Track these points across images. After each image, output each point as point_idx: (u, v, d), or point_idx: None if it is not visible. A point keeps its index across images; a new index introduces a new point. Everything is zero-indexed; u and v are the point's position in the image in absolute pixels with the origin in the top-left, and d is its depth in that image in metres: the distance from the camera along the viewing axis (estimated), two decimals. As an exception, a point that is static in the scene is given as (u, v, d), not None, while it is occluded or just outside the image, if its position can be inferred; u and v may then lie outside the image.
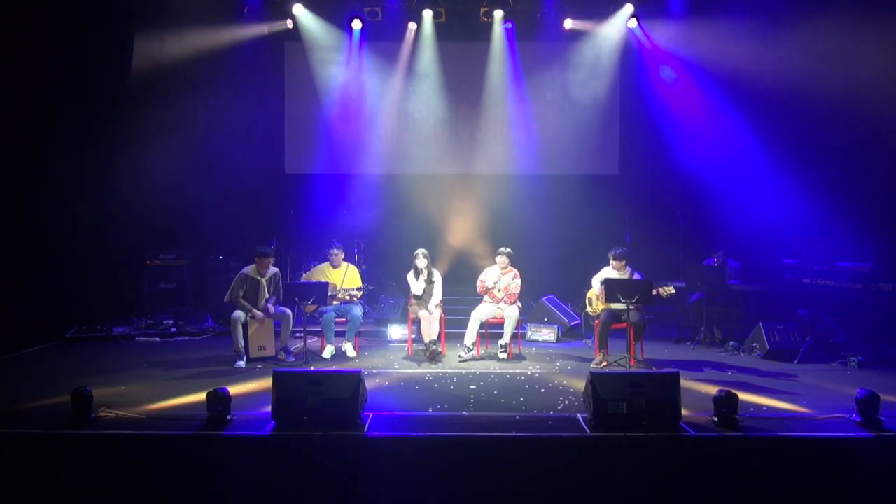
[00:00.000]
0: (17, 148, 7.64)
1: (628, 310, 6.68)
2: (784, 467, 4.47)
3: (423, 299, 7.48)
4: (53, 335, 8.01)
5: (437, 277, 7.57)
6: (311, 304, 7.10)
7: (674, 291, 7.00)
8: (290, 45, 10.43)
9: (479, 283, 7.50)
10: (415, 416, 5.08)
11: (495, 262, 7.50)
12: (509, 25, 9.96)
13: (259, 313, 7.05)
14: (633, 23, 9.88)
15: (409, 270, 7.64)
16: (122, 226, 8.91)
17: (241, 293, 7.09)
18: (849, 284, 7.39)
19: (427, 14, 9.98)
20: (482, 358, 7.31)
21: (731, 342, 7.73)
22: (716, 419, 4.83)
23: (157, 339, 8.23)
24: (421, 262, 7.51)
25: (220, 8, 9.57)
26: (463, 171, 10.59)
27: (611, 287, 6.75)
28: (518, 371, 6.74)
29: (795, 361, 7.00)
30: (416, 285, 7.51)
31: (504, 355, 7.26)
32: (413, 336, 7.77)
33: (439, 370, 6.74)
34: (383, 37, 10.24)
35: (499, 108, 10.50)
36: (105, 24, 8.29)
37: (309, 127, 10.54)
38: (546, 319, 8.58)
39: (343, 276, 7.61)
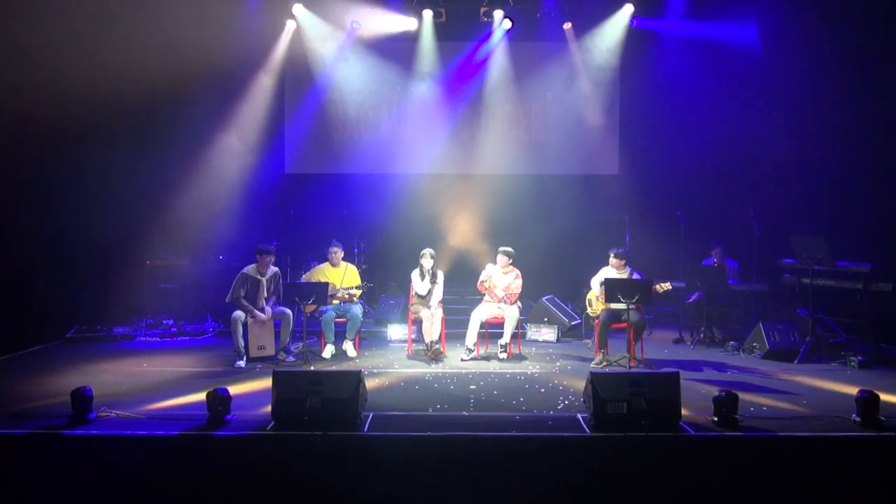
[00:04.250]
0: (16, 148, 7.64)
1: (628, 310, 6.69)
2: (784, 467, 4.47)
3: (425, 299, 7.48)
4: (53, 335, 8.03)
5: (441, 278, 7.55)
6: (311, 303, 7.10)
7: (670, 287, 7.02)
8: (290, 45, 10.42)
9: (479, 283, 7.49)
10: (415, 416, 5.08)
11: (495, 262, 7.49)
12: (509, 25, 9.96)
13: (260, 314, 7.06)
14: (634, 22, 9.86)
15: (410, 270, 7.64)
16: (122, 226, 8.90)
17: (243, 293, 7.10)
18: (849, 284, 7.38)
19: (427, 14, 9.98)
20: (482, 358, 7.31)
21: (731, 342, 7.73)
22: (716, 419, 4.83)
23: (158, 339, 8.24)
24: (427, 262, 7.49)
25: (220, 7, 9.54)
26: (463, 171, 10.58)
27: (611, 287, 6.74)
28: (518, 371, 6.73)
29: (795, 361, 6.99)
30: (421, 285, 7.49)
31: (504, 355, 7.26)
32: (413, 336, 7.77)
33: (439, 370, 6.74)
34: (383, 37, 10.22)
35: (499, 107, 10.49)
36: (106, 21, 8.27)
37: (309, 127, 10.54)
38: (546, 319, 8.58)
39: (342, 276, 7.61)
